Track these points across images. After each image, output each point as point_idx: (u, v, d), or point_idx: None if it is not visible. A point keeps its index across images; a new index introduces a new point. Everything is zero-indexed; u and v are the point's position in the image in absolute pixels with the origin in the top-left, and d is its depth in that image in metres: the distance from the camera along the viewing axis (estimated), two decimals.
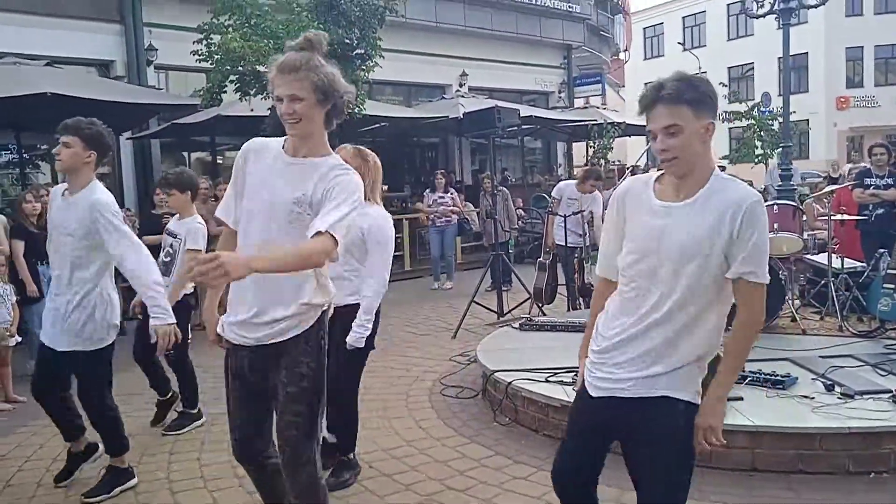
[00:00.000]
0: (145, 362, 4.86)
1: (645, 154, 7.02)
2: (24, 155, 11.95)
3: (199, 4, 10.48)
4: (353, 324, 3.57)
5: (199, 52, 9.84)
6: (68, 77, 10.05)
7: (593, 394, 2.24)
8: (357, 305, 3.61)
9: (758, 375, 4.45)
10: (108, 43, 12.45)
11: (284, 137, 2.52)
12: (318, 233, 2.23)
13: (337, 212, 2.30)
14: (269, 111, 10.12)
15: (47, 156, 13.51)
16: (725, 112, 23.55)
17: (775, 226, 6.03)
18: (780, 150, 10.59)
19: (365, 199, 3.33)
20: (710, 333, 2.14)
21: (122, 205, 11.15)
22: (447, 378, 5.77)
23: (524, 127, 13.55)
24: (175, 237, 4.82)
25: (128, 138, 12.37)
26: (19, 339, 5.86)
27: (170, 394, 4.96)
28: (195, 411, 4.86)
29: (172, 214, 7.34)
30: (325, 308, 2.57)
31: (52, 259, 3.65)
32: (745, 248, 2.02)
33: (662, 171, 2.18)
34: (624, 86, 36.69)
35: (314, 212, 2.37)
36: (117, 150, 12.71)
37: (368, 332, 3.65)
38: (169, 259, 4.81)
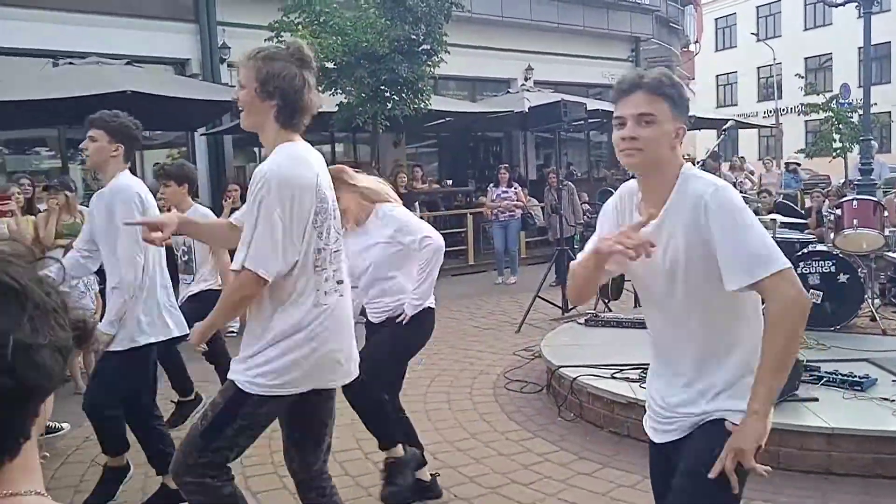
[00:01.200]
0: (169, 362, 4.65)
1: (716, 147, 6.84)
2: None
3: (271, 3, 10.71)
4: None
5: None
6: (147, 76, 10.44)
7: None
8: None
9: (834, 376, 4.31)
10: (184, 42, 12.87)
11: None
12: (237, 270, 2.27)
13: (244, 244, 2.26)
14: (336, 107, 10.30)
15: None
16: (801, 105, 22.75)
17: (854, 221, 5.81)
18: (860, 143, 10.13)
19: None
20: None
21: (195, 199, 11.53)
22: (511, 372, 5.77)
23: (590, 121, 13.36)
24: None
25: (202, 134, 12.77)
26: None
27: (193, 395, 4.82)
28: None
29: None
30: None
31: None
32: (725, 249, 1.80)
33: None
34: (693, 78, 35.77)
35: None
36: (191, 147, 13.17)
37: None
38: (187, 258, 4.82)
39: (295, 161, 2.31)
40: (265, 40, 10.06)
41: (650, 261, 1.86)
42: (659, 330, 2.04)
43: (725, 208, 1.81)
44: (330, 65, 9.79)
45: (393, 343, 3.47)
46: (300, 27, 9.85)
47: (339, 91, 10.13)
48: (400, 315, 3.43)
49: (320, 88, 10.06)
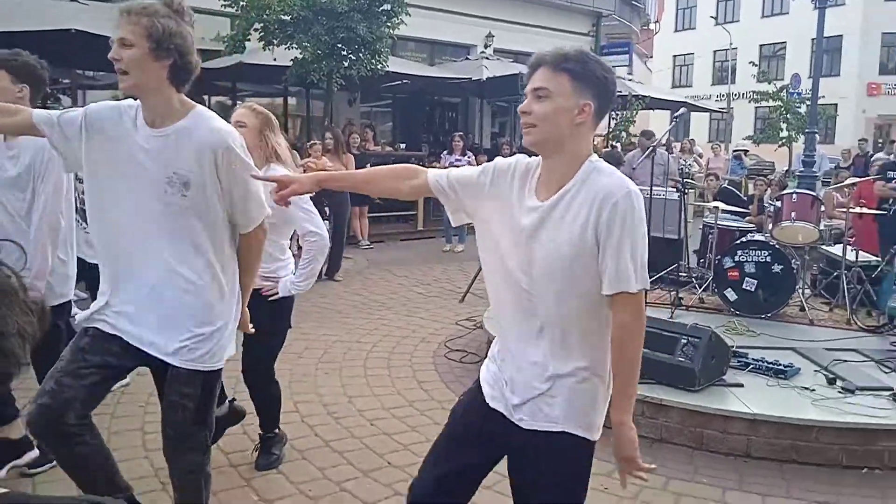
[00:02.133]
0: None
1: (667, 133, 6.94)
2: (48, 89, 11.93)
3: None
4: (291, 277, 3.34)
5: None
6: (93, 13, 10.00)
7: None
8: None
9: (760, 363, 4.48)
10: None
11: (129, 103, 2.30)
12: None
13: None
14: (291, 62, 10.07)
15: (68, 90, 13.53)
16: (753, 92, 23.21)
17: (792, 214, 6.00)
18: (805, 134, 10.42)
19: (269, 161, 3.19)
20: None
21: None
22: (452, 342, 5.83)
23: None
24: None
25: None
26: None
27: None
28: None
29: None
30: None
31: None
32: (615, 255, 1.76)
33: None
34: (651, 57, 36.14)
35: (195, 193, 2.25)
36: None
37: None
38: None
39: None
40: None
41: (519, 235, 1.85)
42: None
43: (632, 219, 1.77)
44: (286, 18, 9.54)
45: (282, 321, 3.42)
46: None
47: (294, 46, 9.90)
48: (270, 290, 3.28)
49: (275, 42, 9.86)
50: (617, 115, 16.36)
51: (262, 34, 9.88)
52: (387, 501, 3.30)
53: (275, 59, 10.12)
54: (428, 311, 6.90)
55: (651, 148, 7.13)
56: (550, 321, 1.87)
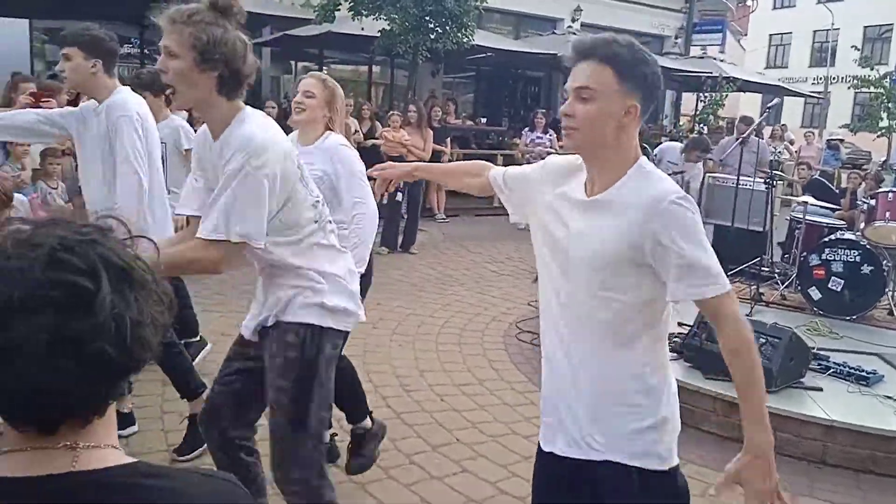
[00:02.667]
0: None
1: (760, 122, 6.72)
2: (146, 50, 12.44)
3: None
4: None
5: None
6: None
7: None
8: None
9: (842, 368, 4.35)
10: None
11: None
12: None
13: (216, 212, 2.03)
14: (378, 33, 10.15)
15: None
16: (853, 76, 22.05)
17: (887, 214, 5.74)
18: None
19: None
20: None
21: None
22: (523, 322, 5.86)
23: None
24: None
25: None
26: None
27: None
28: None
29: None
30: None
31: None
32: (674, 260, 1.62)
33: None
34: (746, 35, 34.71)
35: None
36: None
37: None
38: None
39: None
40: None
41: (559, 238, 1.76)
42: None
43: (684, 222, 1.62)
44: None
45: None
46: None
47: (382, 17, 9.97)
48: None
49: (364, 13, 9.94)
50: (705, 96, 15.88)
51: (351, 4, 9.98)
52: (454, 478, 3.39)
53: (362, 29, 10.22)
54: (500, 290, 6.94)
55: (744, 135, 6.93)
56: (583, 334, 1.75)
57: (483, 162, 2.19)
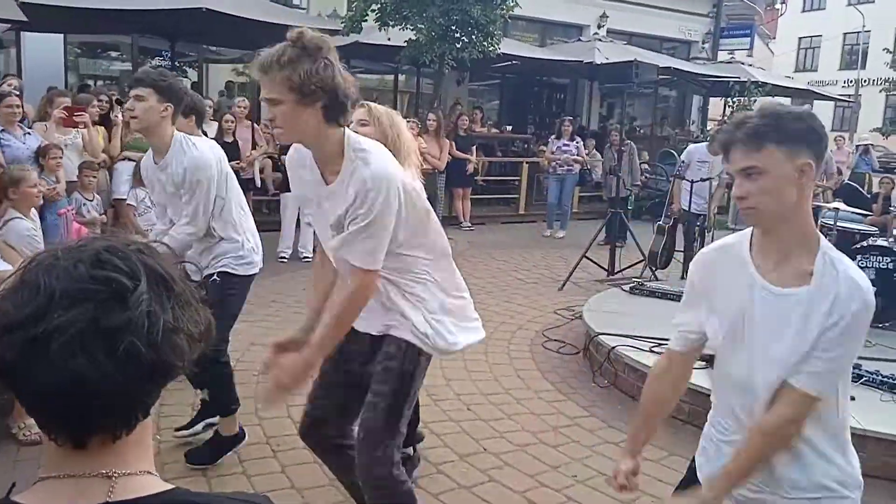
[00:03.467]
0: None
1: None
2: (176, 63, 12.65)
3: None
4: None
5: None
6: None
7: None
8: None
9: (874, 376, 4.30)
10: None
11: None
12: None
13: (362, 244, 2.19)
14: (405, 43, 10.24)
15: (195, 63, 14.27)
16: (884, 79, 21.73)
17: None
18: None
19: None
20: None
21: (258, 120, 11.70)
22: (550, 331, 5.87)
23: (661, 77, 13.09)
24: None
25: None
26: None
27: None
28: None
29: None
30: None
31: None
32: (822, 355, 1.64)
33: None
34: (774, 38, 34.29)
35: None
36: None
37: None
38: None
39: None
40: None
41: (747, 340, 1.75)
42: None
43: (862, 321, 1.64)
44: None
45: None
46: None
47: (409, 27, 10.06)
48: None
49: (391, 23, 10.04)
50: (734, 102, 15.74)
51: (378, 15, 10.08)
52: (482, 487, 3.41)
53: (389, 39, 10.31)
54: (526, 298, 6.95)
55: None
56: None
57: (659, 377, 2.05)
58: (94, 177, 6.06)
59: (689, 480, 2.02)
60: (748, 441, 1.74)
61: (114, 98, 7.32)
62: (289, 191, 7.66)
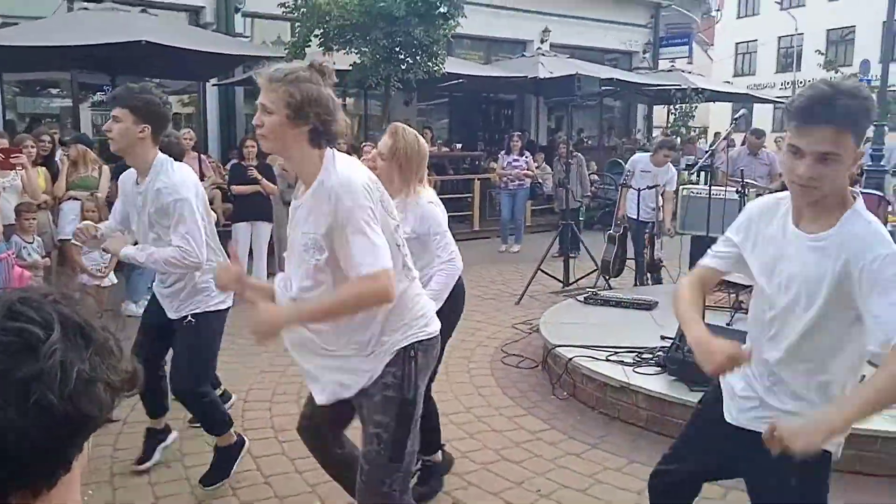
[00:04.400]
0: None
1: (726, 135, 6.83)
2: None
3: None
4: None
5: (286, 6, 10.02)
6: (161, 24, 10.40)
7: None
8: None
9: None
10: None
11: None
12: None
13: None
14: (350, 66, 10.26)
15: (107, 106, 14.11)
16: (815, 80, 22.46)
17: None
18: (874, 126, 10.06)
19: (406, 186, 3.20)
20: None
21: (205, 151, 11.58)
22: (509, 346, 5.90)
23: (604, 89, 13.35)
24: None
25: (213, 85, 12.76)
26: (115, 279, 6.30)
27: None
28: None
29: (261, 165, 7.63)
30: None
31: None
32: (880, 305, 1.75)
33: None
34: (713, 45, 35.26)
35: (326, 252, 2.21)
36: (203, 98, 13.15)
37: None
38: None
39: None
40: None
41: (781, 281, 1.94)
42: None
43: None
44: (346, 24, 9.74)
45: None
46: None
47: (353, 50, 10.09)
48: None
49: (335, 47, 10.05)
50: (676, 109, 16.12)
51: (321, 40, 10.10)
52: None
53: (334, 63, 10.25)
54: (485, 314, 6.97)
55: (718, 147, 7.02)
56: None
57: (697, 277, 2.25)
58: (34, 219, 5.92)
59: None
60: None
61: (56, 137, 7.18)
62: (240, 221, 7.61)
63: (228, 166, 8.79)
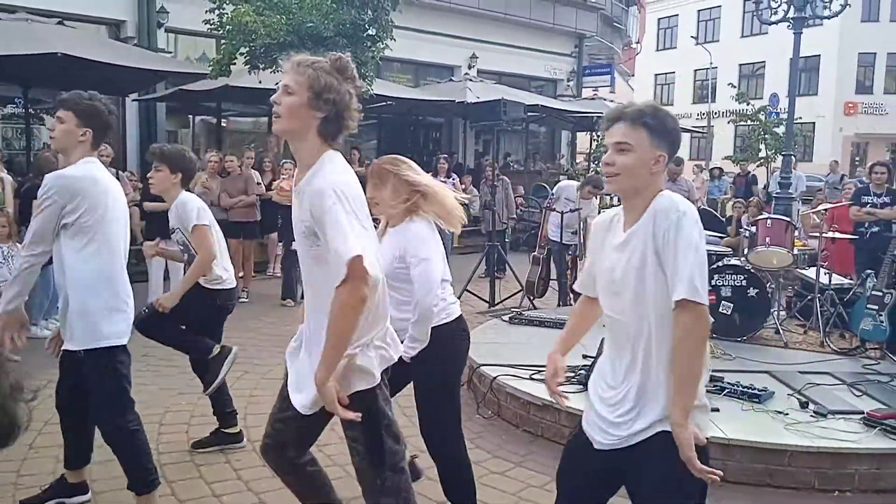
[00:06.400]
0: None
1: None
2: (30, 110, 11.98)
3: None
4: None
5: (211, 23, 9.85)
6: (79, 36, 10.07)
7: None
8: None
9: (735, 387, 4.56)
10: (121, 3, 12.46)
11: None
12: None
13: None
14: (275, 85, 10.15)
15: (52, 111, 13.56)
16: (731, 111, 23.60)
17: (767, 239, 6.14)
18: (783, 155, 10.59)
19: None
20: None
21: (124, 168, 11.24)
22: None
23: (530, 114, 13.66)
24: (174, 231, 4.09)
25: (133, 100, 12.41)
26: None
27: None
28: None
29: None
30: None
31: None
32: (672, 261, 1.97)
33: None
34: (634, 75, 36.55)
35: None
36: (122, 113, 12.76)
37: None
38: (183, 246, 4.14)
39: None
40: (206, 11, 9.87)
41: (607, 275, 2.13)
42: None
43: (686, 230, 1.97)
44: (272, 42, 9.65)
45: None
46: (243, 2, 9.66)
47: (279, 70, 9.99)
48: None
49: (261, 66, 9.94)
50: (598, 136, 16.59)
51: (247, 58, 9.97)
52: None
53: (260, 82, 10.18)
54: None
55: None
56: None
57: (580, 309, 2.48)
58: None
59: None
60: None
61: None
62: (152, 239, 7.36)
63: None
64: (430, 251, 3.02)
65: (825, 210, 7.28)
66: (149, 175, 4.07)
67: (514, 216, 11.40)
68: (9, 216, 6.10)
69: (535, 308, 7.48)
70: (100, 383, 3.13)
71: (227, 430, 4.24)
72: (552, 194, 8.03)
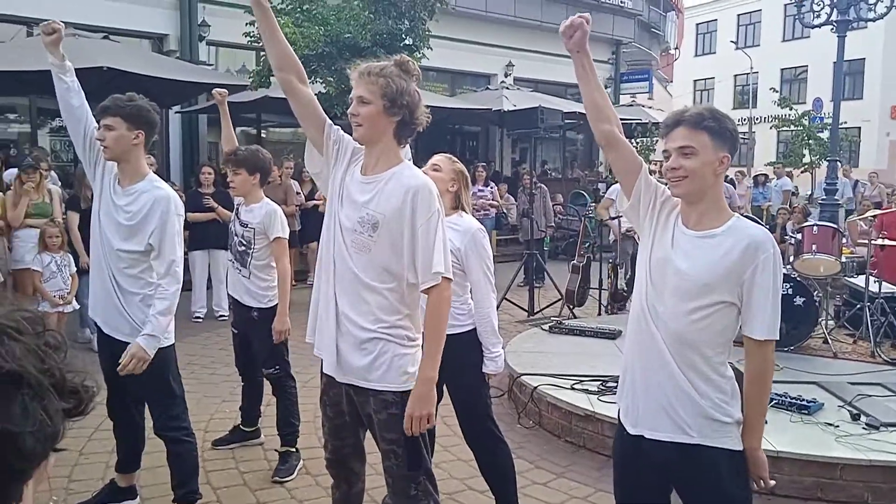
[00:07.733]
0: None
1: None
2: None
3: None
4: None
5: (251, 35, 10.01)
6: (124, 51, 10.31)
7: None
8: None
9: (784, 398, 4.47)
10: (163, 17, 12.71)
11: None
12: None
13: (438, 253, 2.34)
14: (315, 96, 10.28)
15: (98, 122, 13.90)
16: (774, 116, 23.16)
17: (813, 247, 6.00)
18: (828, 161, 10.33)
19: (456, 208, 3.30)
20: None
21: (167, 179, 11.45)
22: None
23: (567, 122, 13.60)
24: (246, 227, 4.14)
25: (176, 112, 12.66)
26: (76, 305, 6.13)
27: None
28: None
29: (218, 193, 7.60)
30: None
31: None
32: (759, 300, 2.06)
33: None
34: (672, 81, 36.17)
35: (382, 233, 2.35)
36: (165, 125, 13.03)
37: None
38: (243, 248, 4.16)
39: None
40: (246, 24, 10.03)
41: (675, 270, 2.11)
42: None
43: (776, 265, 2.05)
44: (310, 53, 9.76)
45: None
46: (283, 14, 9.79)
47: (318, 80, 10.11)
48: None
49: None
50: (637, 142, 16.45)
51: None
52: None
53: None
54: None
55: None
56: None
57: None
58: None
59: None
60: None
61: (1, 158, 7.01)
62: (198, 249, 7.50)
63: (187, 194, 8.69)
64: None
65: (873, 217, 7.09)
66: (229, 180, 4.18)
67: (553, 224, 11.33)
68: (60, 226, 6.23)
69: (575, 317, 7.41)
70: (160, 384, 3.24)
71: (245, 429, 4.45)
72: (608, 198, 7.91)
